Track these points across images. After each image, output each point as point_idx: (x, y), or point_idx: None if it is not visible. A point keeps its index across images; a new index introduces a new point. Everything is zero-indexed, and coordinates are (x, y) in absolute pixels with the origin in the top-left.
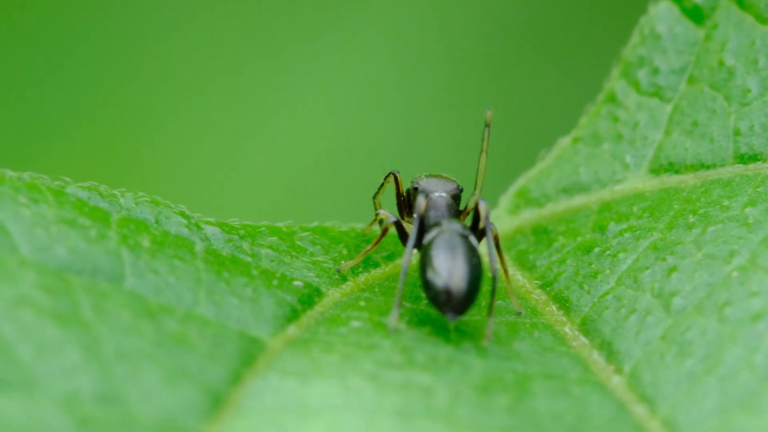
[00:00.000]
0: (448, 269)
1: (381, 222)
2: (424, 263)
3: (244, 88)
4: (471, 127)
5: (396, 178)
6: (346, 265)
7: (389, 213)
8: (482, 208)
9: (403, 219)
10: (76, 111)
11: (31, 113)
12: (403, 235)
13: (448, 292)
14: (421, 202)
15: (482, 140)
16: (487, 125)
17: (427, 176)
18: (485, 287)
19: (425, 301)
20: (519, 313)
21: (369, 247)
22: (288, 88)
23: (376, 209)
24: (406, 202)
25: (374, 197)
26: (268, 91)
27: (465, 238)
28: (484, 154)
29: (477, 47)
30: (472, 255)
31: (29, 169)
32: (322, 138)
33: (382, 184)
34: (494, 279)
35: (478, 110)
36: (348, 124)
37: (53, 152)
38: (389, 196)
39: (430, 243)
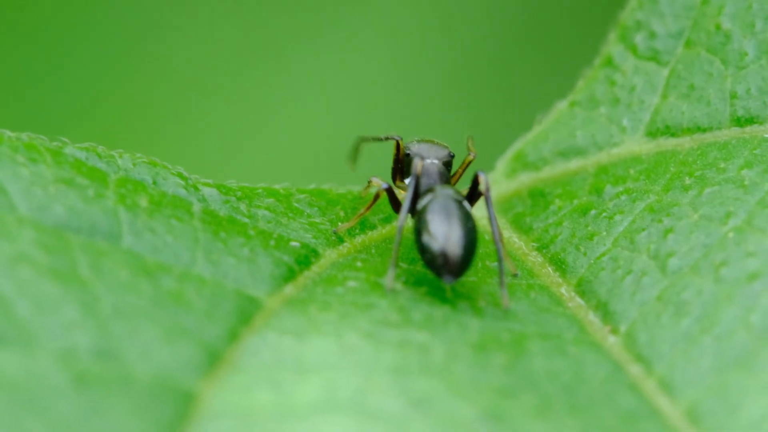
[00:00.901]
0: (444, 233)
1: (372, 187)
2: (420, 228)
3: (244, 87)
4: (468, 91)
5: (398, 144)
6: (342, 227)
7: (380, 180)
8: (483, 179)
9: (395, 184)
10: (76, 111)
11: (31, 113)
12: (394, 202)
13: (444, 256)
14: (417, 164)
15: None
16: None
17: (419, 141)
18: (481, 249)
19: (421, 264)
20: (515, 275)
21: (363, 210)
22: (288, 87)
23: (356, 151)
24: (400, 168)
25: (362, 139)
26: (268, 90)
27: (459, 203)
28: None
29: (473, 11)
30: (467, 219)
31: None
32: (321, 137)
33: (379, 139)
34: (499, 252)
35: (476, 75)
36: (348, 124)
37: (66, 123)
38: (382, 160)
39: (425, 208)
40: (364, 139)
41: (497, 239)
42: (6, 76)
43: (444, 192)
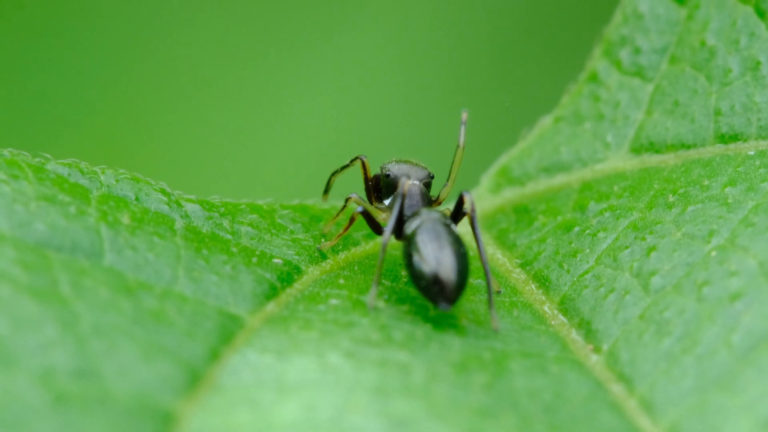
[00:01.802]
0: (437, 260)
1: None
2: (411, 254)
3: (248, 84)
4: (452, 107)
5: (363, 164)
6: (325, 245)
7: (359, 198)
8: (468, 199)
9: (371, 203)
10: (81, 103)
11: (35, 105)
12: (372, 223)
13: (440, 283)
14: (403, 184)
15: (459, 136)
16: (462, 123)
17: (397, 161)
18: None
19: (405, 282)
20: (498, 292)
21: (342, 231)
22: (302, 74)
23: (328, 186)
24: (373, 188)
25: (333, 174)
26: (271, 88)
27: (447, 226)
28: (460, 149)
29: (460, 26)
30: (459, 244)
31: (38, 152)
32: (325, 134)
33: (346, 166)
34: (487, 274)
35: (461, 91)
36: (349, 120)
37: (58, 144)
38: (354, 179)
39: (414, 233)
40: (335, 173)
41: (485, 261)
42: (9, 69)
43: (431, 216)
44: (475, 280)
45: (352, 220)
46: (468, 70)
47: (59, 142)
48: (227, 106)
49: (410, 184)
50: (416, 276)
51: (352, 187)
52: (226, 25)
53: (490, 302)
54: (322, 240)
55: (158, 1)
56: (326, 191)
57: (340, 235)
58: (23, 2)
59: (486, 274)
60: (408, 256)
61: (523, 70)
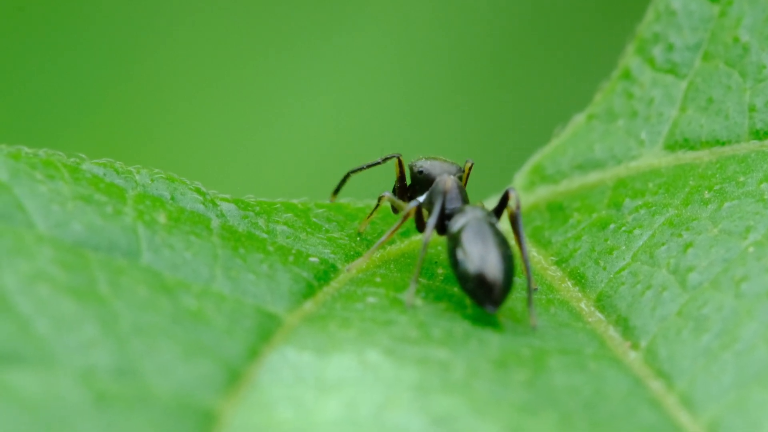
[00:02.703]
0: (485, 261)
1: (379, 201)
2: (460, 257)
3: (248, 83)
4: (486, 105)
5: (400, 162)
6: (369, 252)
7: (392, 196)
8: (513, 196)
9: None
10: (81, 103)
11: (35, 105)
12: (419, 220)
13: (488, 286)
14: (446, 180)
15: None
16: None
17: (426, 158)
18: None
19: (441, 279)
20: (535, 289)
21: (394, 227)
22: (302, 74)
23: (341, 185)
24: (404, 186)
25: (351, 172)
26: (271, 87)
27: (493, 226)
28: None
29: (490, 26)
30: (505, 246)
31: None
32: (326, 134)
33: (375, 163)
34: (528, 271)
35: (495, 90)
36: (350, 120)
37: (65, 139)
38: (381, 178)
39: (460, 232)
40: (353, 171)
41: (526, 259)
42: (14, 64)
43: (476, 214)
44: (514, 278)
45: (406, 216)
46: (500, 70)
47: (59, 142)
48: (227, 106)
49: (451, 179)
50: (462, 277)
51: (362, 185)
52: (226, 25)
53: (529, 300)
54: (358, 238)
55: (159, 1)
56: (337, 190)
57: (394, 230)
58: (23, 3)
59: (527, 272)
60: (455, 257)
61: (555, 67)
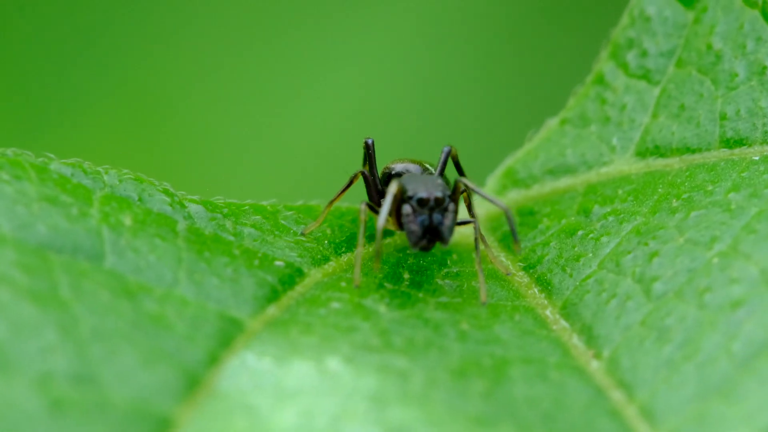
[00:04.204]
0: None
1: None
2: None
3: (251, 83)
4: (459, 108)
5: (364, 174)
6: (310, 226)
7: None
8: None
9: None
10: (83, 104)
11: (35, 106)
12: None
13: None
14: (393, 185)
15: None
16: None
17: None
18: (467, 269)
19: (407, 283)
20: (507, 274)
21: (343, 188)
22: (307, 69)
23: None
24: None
25: (330, 203)
26: (287, 73)
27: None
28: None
29: (466, 30)
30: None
31: (45, 150)
32: (339, 121)
33: (346, 188)
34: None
35: (468, 92)
36: (350, 122)
37: (59, 146)
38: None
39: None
40: (332, 202)
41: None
42: (20, 61)
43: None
44: (477, 283)
45: (351, 182)
46: (474, 72)
47: (60, 144)
48: (229, 106)
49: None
50: None
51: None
52: (228, 26)
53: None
54: (327, 240)
55: (160, 3)
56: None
57: (342, 191)
58: (23, 3)
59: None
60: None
61: (529, 71)
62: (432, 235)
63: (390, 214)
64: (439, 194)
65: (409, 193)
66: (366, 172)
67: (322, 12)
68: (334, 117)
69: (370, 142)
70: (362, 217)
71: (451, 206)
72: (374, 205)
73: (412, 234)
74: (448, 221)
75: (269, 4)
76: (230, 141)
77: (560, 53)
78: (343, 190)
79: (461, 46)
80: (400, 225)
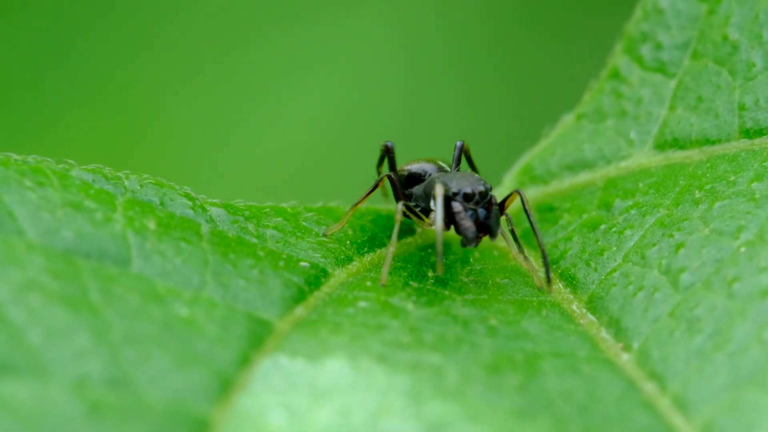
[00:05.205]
0: None
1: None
2: None
3: (247, 69)
4: (474, 105)
5: (390, 178)
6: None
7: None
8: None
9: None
10: (81, 91)
11: (22, 112)
12: (394, 191)
13: None
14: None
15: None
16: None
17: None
18: (490, 265)
19: (431, 281)
20: (539, 288)
21: (359, 200)
22: (290, 70)
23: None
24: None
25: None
26: (270, 72)
27: None
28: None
29: (479, 24)
30: None
31: (31, 152)
32: (325, 120)
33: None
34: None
35: (482, 89)
36: (351, 107)
37: (56, 134)
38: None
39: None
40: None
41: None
42: (8, 61)
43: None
44: (502, 280)
45: (377, 184)
46: (489, 70)
47: (45, 142)
48: (208, 109)
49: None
50: None
51: (353, 189)
52: (210, 29)
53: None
54: (348, 241)
55: (152, 3)
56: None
57: (367, 195)
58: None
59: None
60: None
61: (543, 67)
62: (480, 230)
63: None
64: (482, 188)
65: (454, 190)
66: (392, 175)
67: (313, 13)
68: (317, 117)
69: (390, 145)
70: (398, 217)
71: (494, 198)
72: (409, 205)
73: (468, 230)
74: (494, 214)
75: (254, 8)
76: (210, 143)
77: (574, 48)
78: (369, 193)
79: (474, 42)
80: (448, 224)
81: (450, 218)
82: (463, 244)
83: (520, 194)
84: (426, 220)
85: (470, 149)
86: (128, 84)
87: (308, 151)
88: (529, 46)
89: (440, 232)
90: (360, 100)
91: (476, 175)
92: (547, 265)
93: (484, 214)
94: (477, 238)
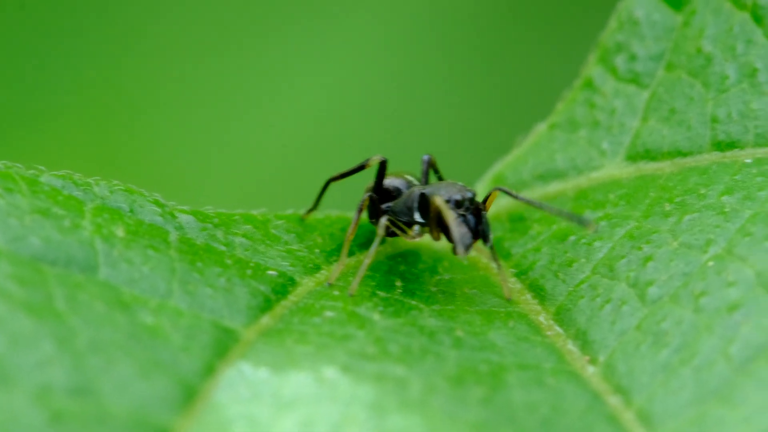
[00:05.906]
0: None
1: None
2: None
3: (224, 76)
4: (446, 114)
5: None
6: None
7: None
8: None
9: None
10: (62, 95)
11: (13, 99)
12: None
13: None
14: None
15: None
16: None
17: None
18: (459, 276)
19: (399, 291)
20: (508, 299)
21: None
22: (273, 75)
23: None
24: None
25: (332, 179)
26: (253, 78)
27: None
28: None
29: (451, 36)
30: None
31: (9, 154)
32: (300, 126)
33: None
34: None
35: (455, 98)
36: (328, 114)
37: (37, 137)
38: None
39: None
40: (333, 179)
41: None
42: None
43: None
44: (470, 290)
45: (360, 209)
46: (462, 78)
47: (19, 153)
48: (193, 113)
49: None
50: None
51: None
52: (196, 31)
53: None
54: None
55: (145, 6)
56: (318, 199)
57: (354, 224)
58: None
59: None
60: None
61: (518, 76)
62: (474, 236)
63: (431, 224)
64: (470, 194)
65: (444, 198)
66: (373, 196)
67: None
68: (302, 122)
69: (384, 161)
70: (381, 232)
71: (481, 204)
72: (392, 219)
73: (465, 236)
74: (485, 219)
75: (241, 10)
76: (194, 147)
77: (548, 58)
78: (355, 222)
79: (448, 50)
80: (439, 233)
81: (442, 227)
82: (456, 253)
83: (502, 190)
84: (410, 232)
85: (443, 158)
86: (109, 89)
87: (289, 158)
88: (502, 55)
89: (467, 244)
90: (338, 110)
91: (459, 183)
92: (568, 215)
93: (474, 221)
94: (472, 245)
